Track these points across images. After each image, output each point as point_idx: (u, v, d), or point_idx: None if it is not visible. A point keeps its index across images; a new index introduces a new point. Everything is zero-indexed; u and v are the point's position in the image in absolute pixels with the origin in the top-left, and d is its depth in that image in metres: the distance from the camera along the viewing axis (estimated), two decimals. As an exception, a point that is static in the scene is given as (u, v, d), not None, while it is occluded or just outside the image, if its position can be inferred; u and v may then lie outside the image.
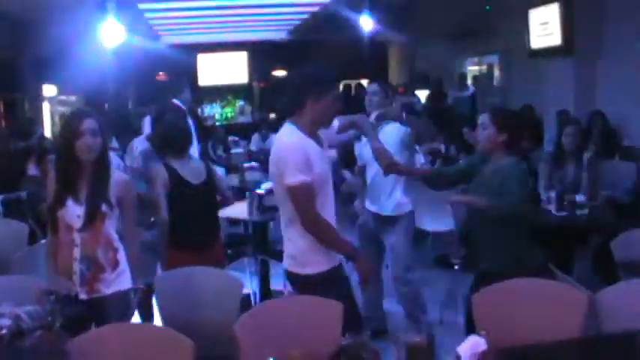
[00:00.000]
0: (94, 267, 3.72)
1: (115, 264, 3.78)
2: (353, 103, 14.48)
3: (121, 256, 3.82)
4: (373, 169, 5.42)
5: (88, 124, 3.67)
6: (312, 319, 3.50)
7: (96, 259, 3.72)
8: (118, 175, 3.83)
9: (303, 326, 3.46)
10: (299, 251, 3.75)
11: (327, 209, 3.76)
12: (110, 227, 3.76)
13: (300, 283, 3.81)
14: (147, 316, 5.11)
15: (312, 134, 3.74)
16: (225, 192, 5.33)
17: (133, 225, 3.91)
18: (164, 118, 5.39)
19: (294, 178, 3.55)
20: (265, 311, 3.56)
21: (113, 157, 4.13)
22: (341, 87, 17.71)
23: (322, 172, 3.70)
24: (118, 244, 3.82)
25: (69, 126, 3.75)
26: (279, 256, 6.07)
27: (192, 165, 5.06)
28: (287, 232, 3.80)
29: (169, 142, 5.10)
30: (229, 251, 6.00)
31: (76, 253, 3.71)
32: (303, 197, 3.60)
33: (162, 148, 5.16)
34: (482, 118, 4.22)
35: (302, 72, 3.87)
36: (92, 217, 3.67)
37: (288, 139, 3.69)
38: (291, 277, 3.86)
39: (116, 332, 3.35)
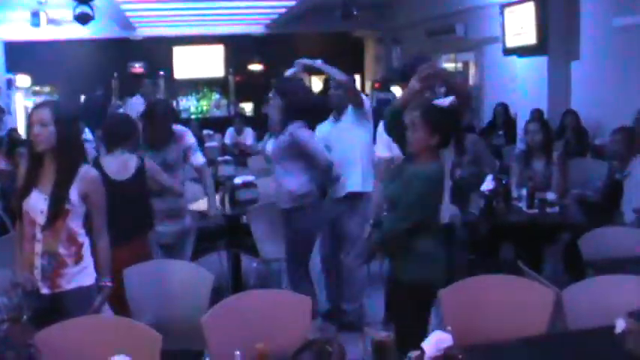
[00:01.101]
0: (55, 262, 3.67)
1: (78, 259, 3.73)
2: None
3: (85, 251, 3.78)
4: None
5: (37, 114, 3.63)
6: (280, 313, 3.51)
7: (57, 254, 3.67)
8: (85, 169, 3.74)
9: (271, 320, 3.47)
10: None
11: None
12: (73, 222, 3.70)
13: None
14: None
15: None
16: (165, 184, 5.19)
17: (100, 220, 3.81)
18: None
19: None
20: (233, 305, 3.55)
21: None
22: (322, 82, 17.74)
23: None
24: (83, 238, 3.77)
25: (27, 118, 3.75)
26: (252, 250, 6.13)
27: (121, 160, 4.90)
28: None
29: (103, 137, 5.16)
30: (200, 245, 5.97)
31: (38, 247, 3.67)
32: None
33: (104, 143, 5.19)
34: (412, 117, 3.66)
35: None
36: (54, 216, 3.63)
37: None
38: None
39: (83, 325, 3.34)
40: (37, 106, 3.78)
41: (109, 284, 3.81)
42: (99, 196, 3.79)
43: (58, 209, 3.63)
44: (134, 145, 5.21)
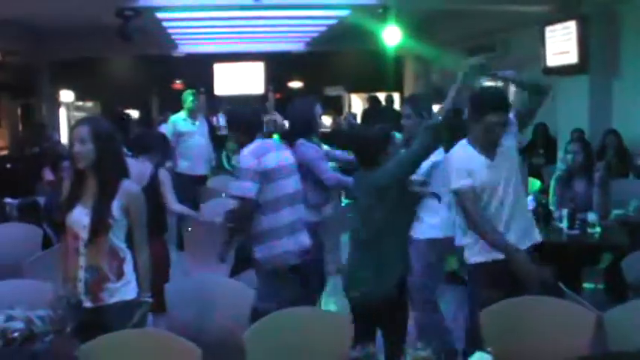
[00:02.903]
0: (97, 276, 3.72)
1: (120, 274, 3.76)
2: (385, 114, 14.54)
3: (127, 266, 3.81)
4: None
5: (77, 131, 3.71)
6: (319, 331, 3.53)
7: (100, 268, 3.72)
8: (126, 184, 3.79)
9: (310, 338, 3.48)
10: None
11: None
12: (115, 237, 3.75)
13: None
14: None
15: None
16: (167, 196, 5.53)
17: (141, 235, 3.85)
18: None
19: None
20: (274, 322, 3.58)
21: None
22: (365, 99, 17.74)
23: None
24: (124, 254, 3.81)
25: (69, 134, 3.83)
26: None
27: (138, 169, 5.15)
28: None
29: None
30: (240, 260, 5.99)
31: (81, 261, 3.72)
32: None
33: None
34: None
35: None
36: (96, 230, 3.68)
37: None
38: None
39: (125, 339, 3.38)
40: (76, 124, 3.84)
41: (149, 300, 3.84)
42: (140, 210, 3.83)
43: (99, 224, 3.68)
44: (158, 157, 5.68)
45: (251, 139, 4.82)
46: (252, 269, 5.05)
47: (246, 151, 4.78)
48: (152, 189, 5.30)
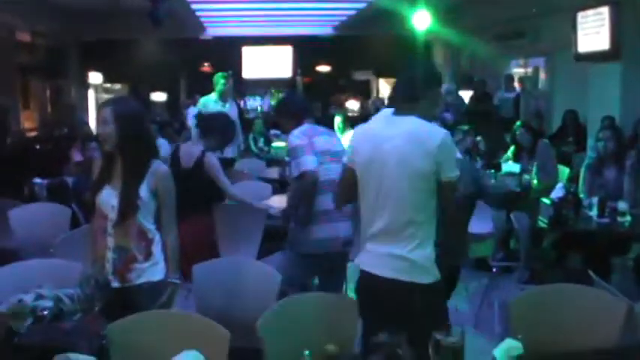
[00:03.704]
0: (125, 256, 3.73)
1: (148, 254, 3.77)
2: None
3: (156, 247, 3.81)
4: None
5: (100, 112, 3.74)
6: (329, 316, 3.56)
7: (128, 248, 3.73)
8: (155, 165, 3.78)
9: (326, 322, 3.51)
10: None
11: None
12: (144, 218, 3.75)
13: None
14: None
15: None
16: (221, 180, 5.66)
17: (169, 216, 3.85)
18: None
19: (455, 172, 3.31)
20: (286, 308, 3.59)
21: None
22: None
23: None
24: (153, 234, 3.80)
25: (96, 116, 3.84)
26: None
27: (186, 150, 5.62)
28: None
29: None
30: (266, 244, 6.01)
31: (110, 241, 3.74)
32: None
33: None
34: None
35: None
36: (125, 212, 3.68)
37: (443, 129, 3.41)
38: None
39: (153, 319, 3.40)
40: (101, 105, 3.86)
41: (177, 281, 3.84)
42: (168, 192, 3.82)
43: (127, 205, 3.69)
44: (219, 141, 5.83)
45: (298, 125, 4.84)
46: (280, 251, 5.06)
47: (297, 131, 4.78)
48: (197, 172, 5.45)
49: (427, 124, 3.33)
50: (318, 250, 4.74)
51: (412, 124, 3.31)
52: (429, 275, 3.28)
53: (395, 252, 3.28)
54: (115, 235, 3.74)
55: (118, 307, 3.52)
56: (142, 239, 3.77)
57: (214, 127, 5.74)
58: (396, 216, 3.29)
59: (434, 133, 3.27)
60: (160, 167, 3.82)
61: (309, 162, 4.64)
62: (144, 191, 3.72)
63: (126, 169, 3.73)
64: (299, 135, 4.75)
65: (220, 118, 6.08)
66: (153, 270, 3.80)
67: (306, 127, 4.84)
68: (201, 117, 6.24)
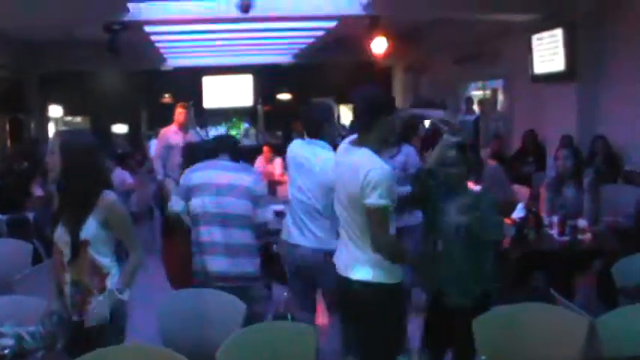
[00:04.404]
0: (82, 291, 3.71)
1: (102, 289, 3.72)
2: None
3: (112, 280, 3.76)
4: None
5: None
6: (288, 344, 3.61)
7: (83, 283, 3.71)
8: (104, 195, 3.74)
9: (281, 351, 3.56)
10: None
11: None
12: (97, 252, 3.73)
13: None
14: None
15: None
16: None
17: (129, 243, 3.83)
18: None
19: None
20: (246, 337, 3.61)
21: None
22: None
23: None
24: (108, 268, 3.76)
25: None
26: (282, 279, 6.12)
27: None
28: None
29: None
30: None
31: (67, 277, 3.73)
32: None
33: None
34: None
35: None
36: (75, 247, 3.68)
37: (380, 163, 3.73)
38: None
39: (116, 353, 3.36)
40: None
41: (119, 296, 3.72)
42: (118, 219, 3.78)
43: (76, 242, 3.68)
44: None
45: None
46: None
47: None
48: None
49: (369, 157, 3.75)
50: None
51: (358, 156, 3.79)
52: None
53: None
54: (71, 271, 3.72)
55: (80, 342, 3.49)
56: (95, 274, 3.73)
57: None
58: (346, 229, 3.94)
59: (367, 165, 3.70)
60: (106, 197, 3.75)
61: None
62: (92, 224, 3.69)
63: (72, 203, 3.72)
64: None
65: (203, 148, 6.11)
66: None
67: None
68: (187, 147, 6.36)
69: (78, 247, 3.67)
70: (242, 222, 4.87)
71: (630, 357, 3.23)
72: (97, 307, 3.66)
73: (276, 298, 6.72)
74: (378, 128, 3.80)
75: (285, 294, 6.54)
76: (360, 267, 3.81)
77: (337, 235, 4.24)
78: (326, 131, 5.05)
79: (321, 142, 5.00)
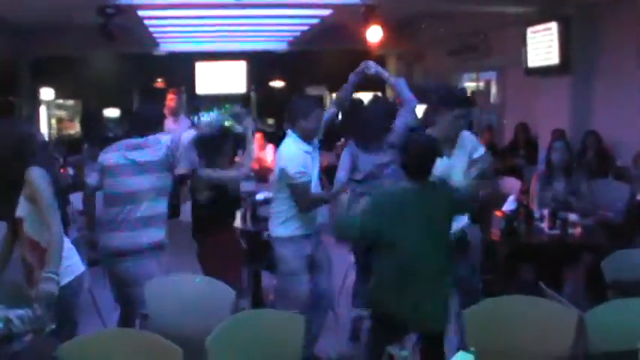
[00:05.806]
0: (28, 268, 3.83)
1: (42, 265, 3.66)
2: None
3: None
4: None
5: None
6: (275, 334, 3.62)
7: (27, 260, 3.83)
8: (27, 172, 3.77)
9: (268, 341, 3.56)
10: None
11: None
12: (31, 228, 3.80)
13: None
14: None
15: None
16: None
17: (45, 216, 3.71)
18: None
19: None
20: (235, 325, 3.61)
21: None
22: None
23: None
24: (46, 243, 3.71)
25: None
26: (272, 267, 6.12)
27: None
28: None
29: None
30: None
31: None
32: None
33: None
34: None
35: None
36: (13, 226, 3.83)
37: None
38: None
39: (106, 339, 3.36)
40: None
41: (45, 275, 3.61)
42: (38, 193, 3.74)
43: (9, 220, 3.83)
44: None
45: None
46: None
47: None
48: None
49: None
50: None
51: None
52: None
53: None
54: (18, 249, 3.89)
55: None
56: (34, 250, 3.80)
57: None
58: None
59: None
60: (29, 172, 3.77)
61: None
62: (22, 202, 3.77)
63: (2, 186, 3.83)
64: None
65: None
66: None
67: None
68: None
69: (14, 225, 3.82)
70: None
71: (618, 351, 3.24)
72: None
73: (265, 286, 6.73)
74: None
75: (274, 282, 6.55)
76: None
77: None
78: (298, 125, 5.37)
79: (293, 135, 5.37)
